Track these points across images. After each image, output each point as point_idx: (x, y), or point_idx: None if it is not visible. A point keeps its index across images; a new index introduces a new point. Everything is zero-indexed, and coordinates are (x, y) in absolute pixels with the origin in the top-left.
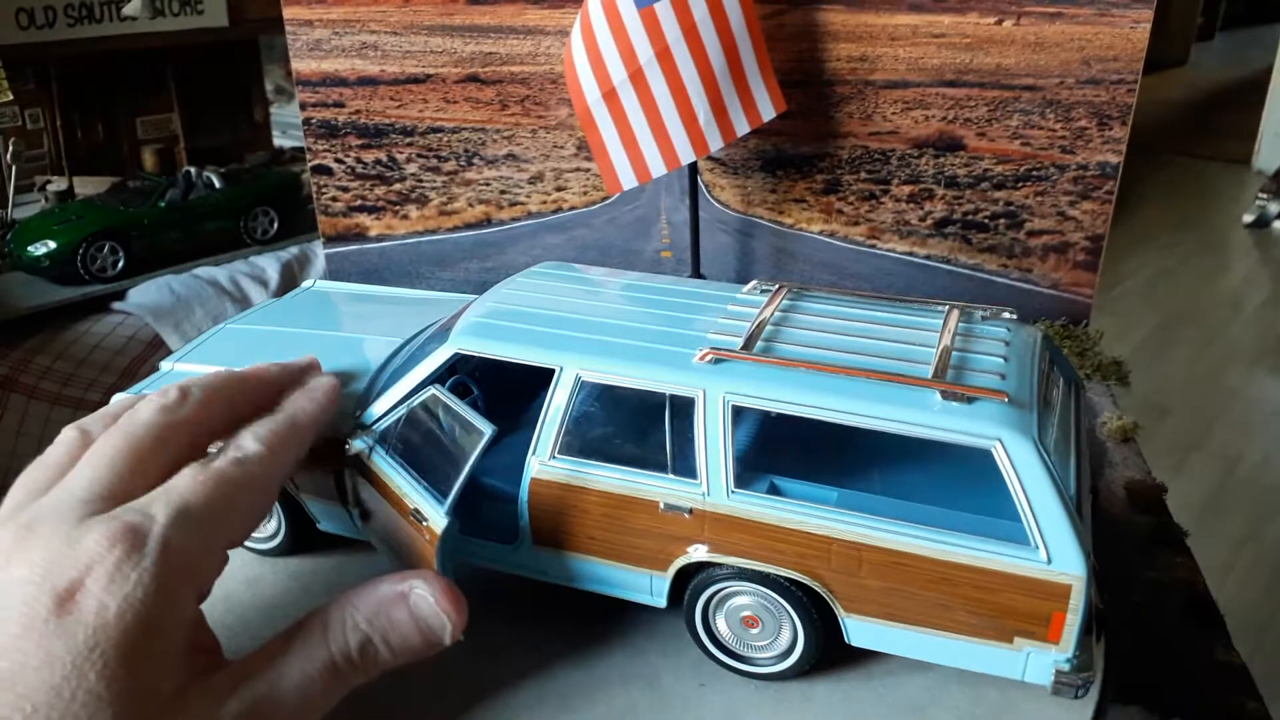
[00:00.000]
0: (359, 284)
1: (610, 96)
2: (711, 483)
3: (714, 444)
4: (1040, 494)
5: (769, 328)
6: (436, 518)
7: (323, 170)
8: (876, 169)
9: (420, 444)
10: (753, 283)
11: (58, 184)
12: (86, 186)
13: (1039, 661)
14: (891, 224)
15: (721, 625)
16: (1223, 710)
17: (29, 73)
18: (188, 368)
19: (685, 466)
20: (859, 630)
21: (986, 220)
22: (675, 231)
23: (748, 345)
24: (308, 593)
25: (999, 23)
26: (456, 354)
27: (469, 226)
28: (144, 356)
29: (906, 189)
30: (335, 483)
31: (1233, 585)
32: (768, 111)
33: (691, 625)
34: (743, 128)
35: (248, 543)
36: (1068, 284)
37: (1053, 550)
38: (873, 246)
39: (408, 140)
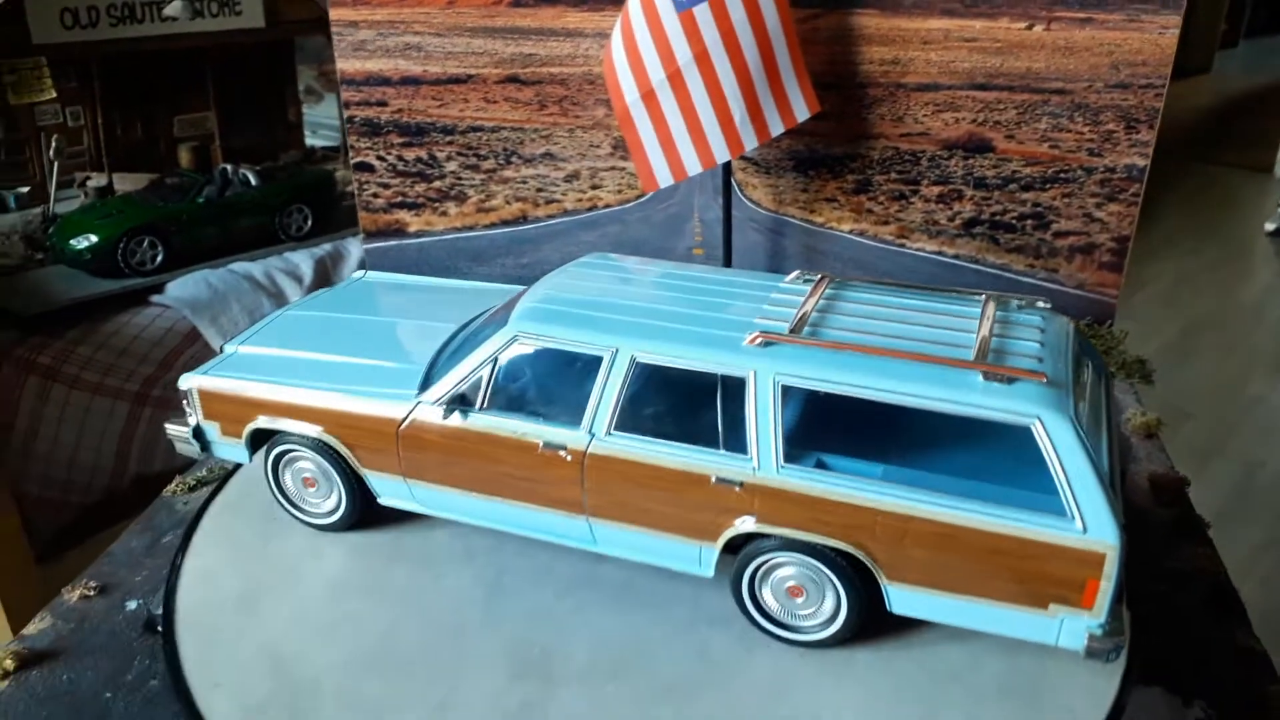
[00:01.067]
0: (403, 276)
1: (649, 97)
2: (762, 458)
3: (764, 421)
4: (1076, 468)
5: (814, 314)
6: (577, 438)
7: (365, 167)
8: (907, 169)
9: (530, 400)
10: (795, 273)
11: (97, 180)
12: (125, 183)
13: (1072, 627)
14: (921, 223)
15: (767, 596)
16: (1244, 694)
17: (71, 71)
18: (251, 350)
19: (736, 442)
20: (900, 598)
21: (1014, 221)
22: (707, 229)
23: (795, 329)
24: (368, 564)
25: (1029, 27)
26: (515, 336)
27: (505, 223)
28: (181, 349)
29: (936, 189)
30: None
31: (1252, 588)
32: (802, 112)
33: (738, 595)
34: (777, 128)
35: (309, 518)
36: (1093, 284)
37: (1088, 520)
38: (902, 246)
39: (448, 139)
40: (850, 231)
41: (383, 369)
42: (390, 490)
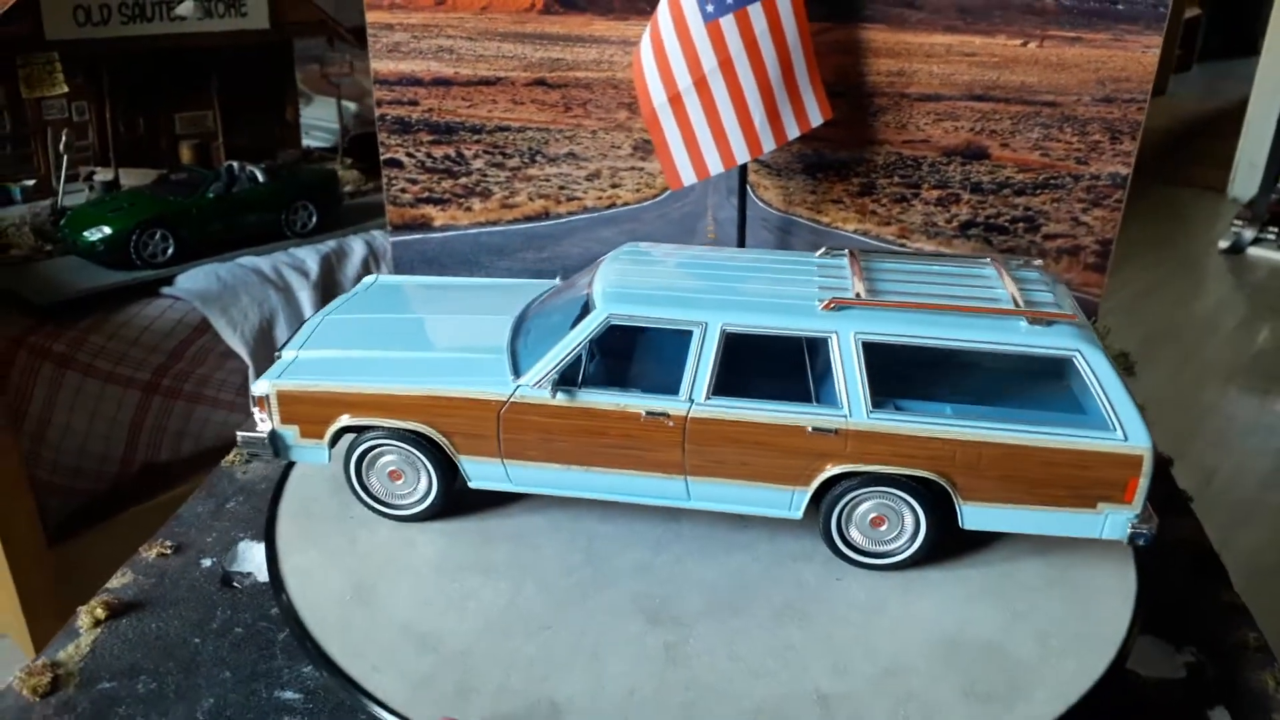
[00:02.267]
0: (416, 276)
1: (675, 101)
2: (853, 406)
3: (851, 374)
4: (1113, 388)
5: (866, 280)
6: (678, 405)
7: (394, 163)
8: (908, 174)
9: (625, 372)
10: (823, 249)
11: (104, 174)
12: (130, 178)
13: (1115, 520)
14: (920, 225)
15: (853, 531)
16: (1227, 640)
17: (79, 67)
18: (314, 354)
19: (828, 395)
20: (972, 514)
21: (1007, 224)
22: (720, 227)
23: (859, 294)
24: (464, 546)
25: (1024, 44)
26: (609, 317)
27: (528, 219)
28: (191, 339)
29: (935, 193)
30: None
31: None
32: (816, 118)
33: (827, 532)
34: (794, 131)
35: (395, 510)
36: (1079, 284)
37: (1128, 430)
38: (903, 245)
39: (476, 138)
40: (854, 231)
41: (462, 359)
42: (485, 474)
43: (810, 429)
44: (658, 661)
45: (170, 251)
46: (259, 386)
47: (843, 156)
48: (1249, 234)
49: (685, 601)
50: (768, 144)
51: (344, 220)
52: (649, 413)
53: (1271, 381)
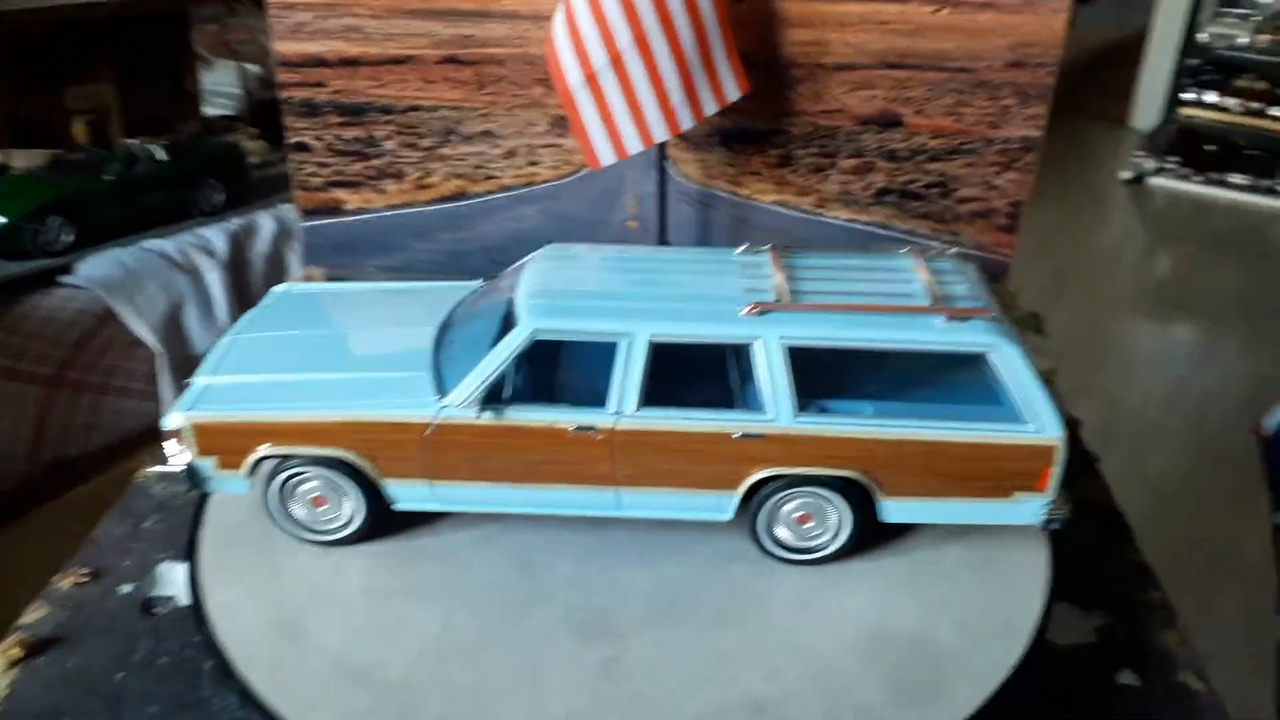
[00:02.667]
0: (327, 284)
1: (591, 80)
2: (779, 411)
3: (777, 380)
4: (1027, 383)
5: (788, 281)
6: (606, 419)
7: (302, 147)
8: (825, 144)
9: (550, 383)
10: (744, 246)
11: None
12: (20, 160)
13: (1030, 506)
14: (837, 194)
15: (780, 530)
16: (1133, 601)
17: None
18: (226, 380)
19: (753, 401)
20: (893, 508)
21: (921, 190)
22: (641, 203)
23: (782, 297)
24: (392, 569)
25: (936, 11)
26: (534, 333)
27: (444, 200)
28: (95, 329)
29: (851, 162)
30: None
31: None
32: (733, 92)
33: (756, 534)
34: (711, 107)
35: (323, 535)
36: (991, 245)
37: (1042, 422)
38: (820, 214)
39: (386, 118)
40: (773, 203)
41: (383, 379)
42: (411, 495)
43: (737, 435)
44: (595, 679)
45: (68, 239)
46: (172, 420)
47: (760, 128)
48: (1150, 164)
49: (620, 613)
50: (685, 121)
51: (252, 195)
52: (577, 427)
53: (1172, 309)
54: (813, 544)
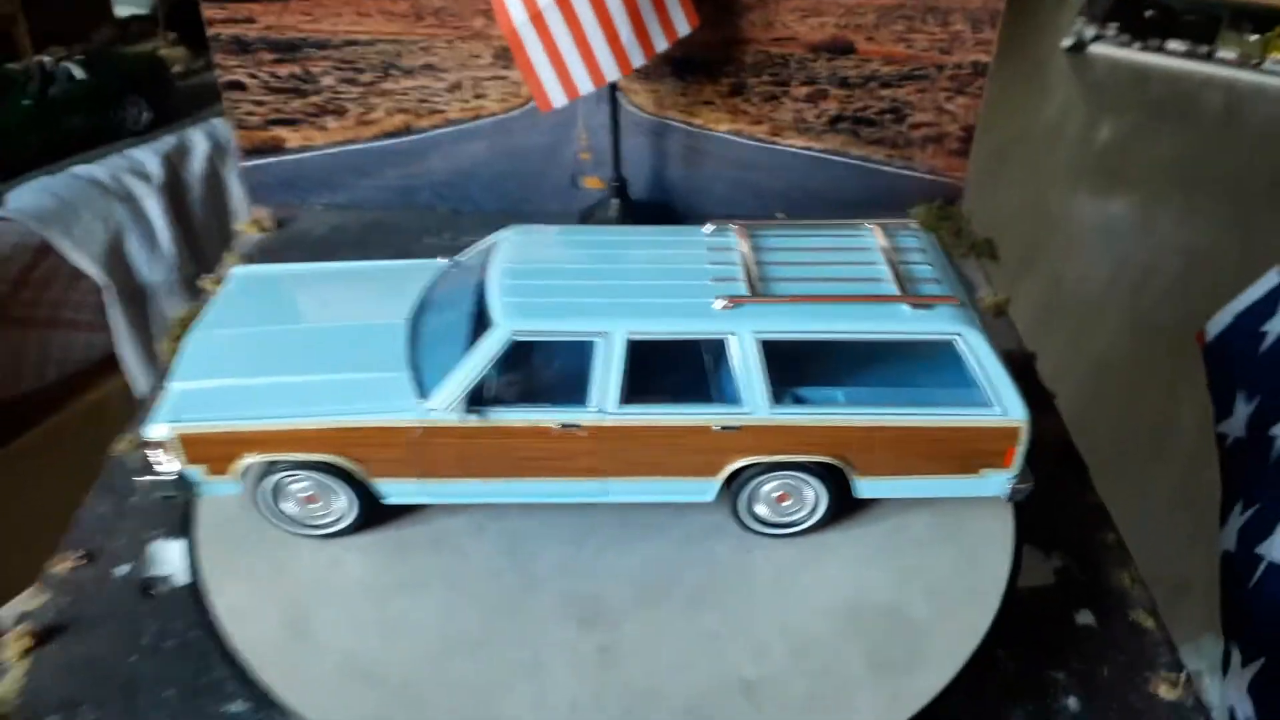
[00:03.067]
0: (283, 264)
1: (537, 19)
2: (755, 403)
3: (751, 372)
4: (991, 367)
5: (756, 268)
6: (589, 416)
7: (235, 85)
8: (777, 72)
9: (534, 384)
10: (709, 225)
11: None
12: None
13: (996, 481)
14: (791, 122)
15: (760, 508)
16: (1089, 542)
17: None
18: (204, 384)
19: (730, 395)
20: (866, 486)
21: (874, 116)
22: (593, 134)
23: (753, 289)
24: (388, 560)
25: None
26: (511, 336)
27: (389, 135)
28: (34, 263)
29: (804, 89)
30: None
31: (1064, 393)
32: (683, 27)
33: (736, 512)
34: (661, 44)
35: (317, 530)
36: (944, 169)
37: (1006, 405)
38: (774, 142)
39: (322, 54)
40: (727, 131)
41: (363, 381)
42: (399, 491)
43: (716, 428)
44: (593, 667)
45: None
46: (155, 430)
47: (712, 58)
48: (1090, 31)
49: (611, 597)
50: (636, 59)
51: (180, 110)
52: (563, 425)
53: (1112, 182)
54: (790, 519)
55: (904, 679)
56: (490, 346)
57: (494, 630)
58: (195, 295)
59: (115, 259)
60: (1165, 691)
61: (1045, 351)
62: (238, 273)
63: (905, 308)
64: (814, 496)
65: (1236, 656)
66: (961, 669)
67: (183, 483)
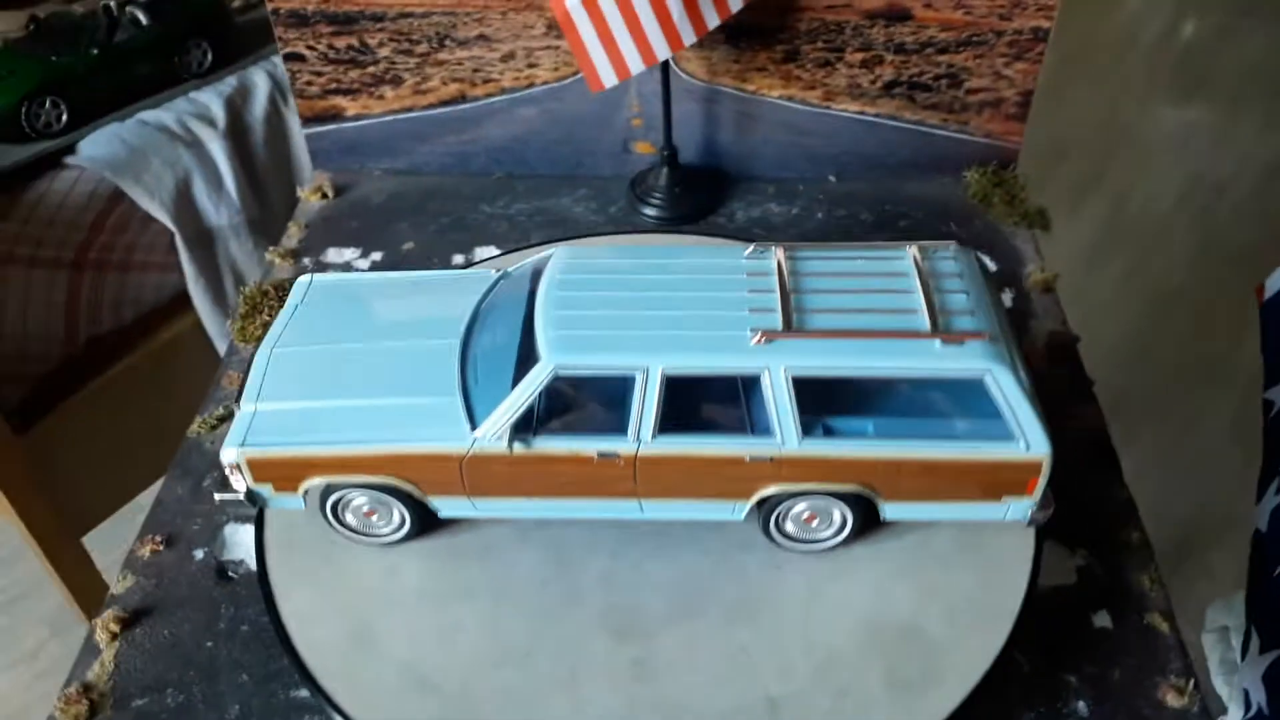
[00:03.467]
0: (348, 277)
1: (589, 1)
2: (785, 436)
3: (783, 407)
4: (1019, 403)
5: (792, 298)
6: (627, 446)
7: (295, 57)
8: (832, 39)
9: (575, 412)
10: (751, 247)
11: None
12: None
13: (1017, 508)
14: (845, 87)
15: (789, 526)
16: (1113, 540)
17: None
18: (272, 407)
19: (762, 426)
20: (892, 510)
21: (930, 82)
22: (644, 101)
23: (787, 323)
24: (442, 568)
25: None
26: (555, 370)
27: (444, 104)
28: (108, 210)
29: (859, 55)
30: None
31: (1112, 323)
32: (735, 3)
33: (767, 530)
34: (713, 20)
35: (376, 538)
36: (1000, 133)
37: (1030, 440)
38: (827, 108)
39: (378, 26)
40: (780, 97)
41: (419, 407)
42: (452, 507)
43: (748, 458)
44: (627, 680)
45: (65, 118)
46: (227, 454)
47: (766, 24)
48: None
49: (647, 610)
50: (688, 37)
51: (238, 50)
52: (600, 454)
53: (1190, 87)
54: (818, 537)
55: (919, 699)
56: (534, 380)
57: (538, 640)
58: (260, 239)
59: (183, 204)
60: (1172, 699)
61: (1101, 277)
62: (303, 282)
63: (936, 343)
64: (841, 517)
65: (1256, 641)
66: (972, 690)
67: (253, 497)
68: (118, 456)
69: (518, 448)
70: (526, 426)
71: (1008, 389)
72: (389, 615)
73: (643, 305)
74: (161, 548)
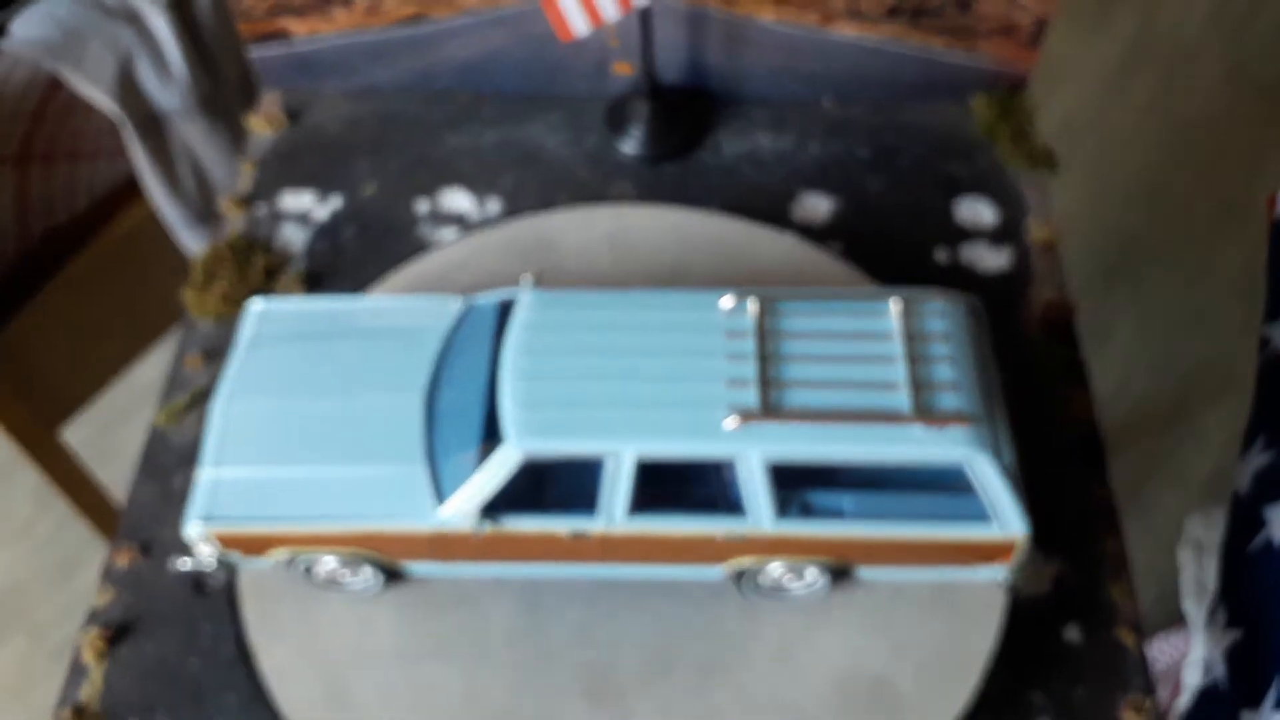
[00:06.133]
0: (302, 303)
1: None
2: (761, 515)
3: (757, 489)
4: (996, 490)
5: (770, 368)
6: (598, 525)
7: None
8: None
9: (545, 490)
10: (726, 297)
11: None
12: None
13: (992, 572)
14: (844, 9)
15: (763, 583)
16: (1091, 546)
17: None
18: (234, 473)
19: (735, 506)
20: (867, 573)
21: (936, 6)
22: (622, 24)
23: (765, 402)
24: (416, 620)
25: None
26: (524, 456)
27: (401, 24)
28: (48, 98)
29: None
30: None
31: (1130, 159)
32: None
33: (740, 587)
34: None
35: (348, 590)
36: (1010, 59)
37: (1006, 523)
38: (825, 31)
39: None
40: (772, 20)
41: (382, 478)
42: (422, 569)
43: (720, 537)
44: None
45: None
46: (192, 529)
47: None
48: None
49: (622, 667)
50: None
51: None
52: (571, 533)
53: None
54: (792, 589)
55: None
56: (501, 464)
57: (513, 701)
58: (215, 119)
59: (128, 89)
60: (1131, 718)
61: (1127, 104)
62: (254, 312)
63: (917, 428)
64: (815, 576)
65: (1222, 613)
66: None
67: (224, 562)
68: (88, 346)
69: (486, 527)
70: (495, 506)
71: (986, 476)
72: (362, 673)
73: (614, 375)
74: (138, 555)
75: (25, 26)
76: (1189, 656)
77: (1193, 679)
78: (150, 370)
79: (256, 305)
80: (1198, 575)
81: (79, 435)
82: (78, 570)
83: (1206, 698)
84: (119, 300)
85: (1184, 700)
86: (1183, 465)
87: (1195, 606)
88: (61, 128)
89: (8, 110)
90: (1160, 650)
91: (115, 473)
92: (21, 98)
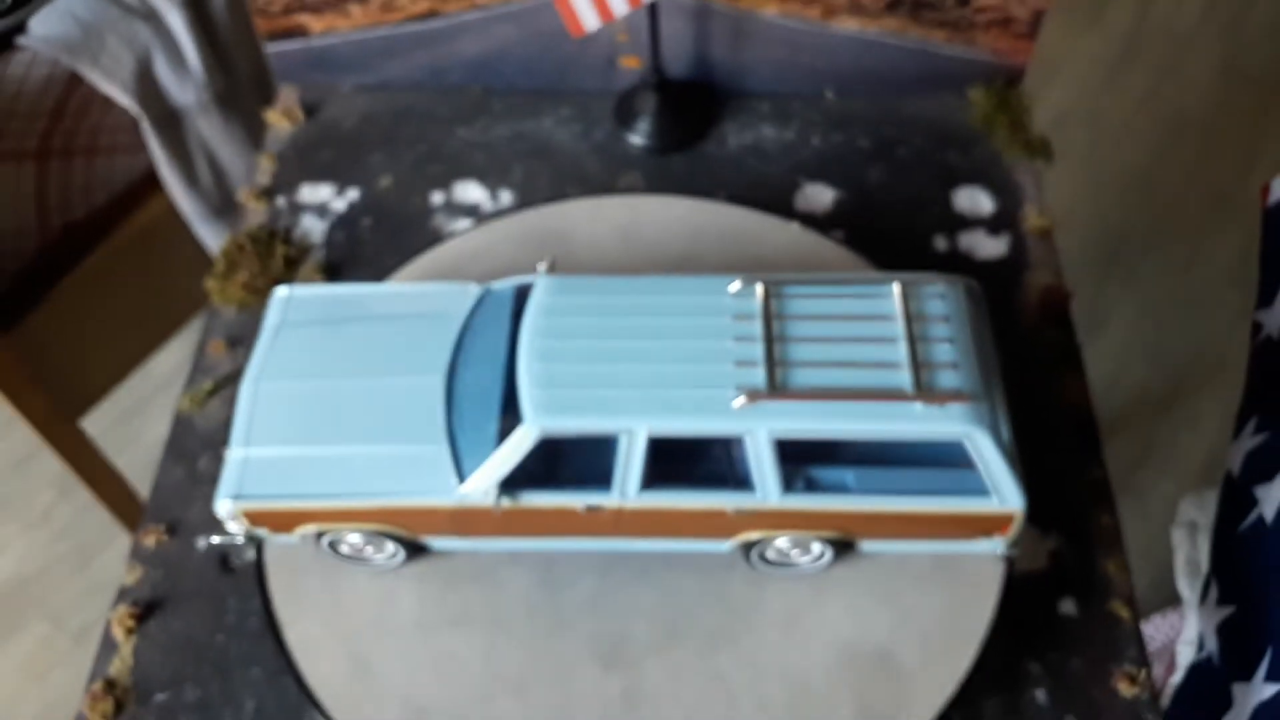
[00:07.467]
0: (326, 290)
1: None
2: (767, 491)
3: (765, 465)
4: (995, 465)
5: (776, 349)
6: (612, 500)
7: None
8: None
9: (562, 465)
10: (734, 282)
11: None
12: None
13: (991, 544)
14: (845, 4)
15: (770, 555)
16: (1088, 524)
17: None
18: (263, 453)
19: (745, 480)
20: (869, 545)
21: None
22: (631, 18)
23: (771, 381)
24: (436, 592)
25: None
26: (540, 433)
27: (415, 20)
28: (67, 94)
29: None
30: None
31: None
32: None
33: (748, 559)
34: None
35: (372, 565)
36: (1007, 51)
37: (1004, 496)
38: (827, 25)
39: None
40: (776, 13)
41: (406, 456)
42: (443, 544)
43: (731, 511)
44: (618, 711)
45: None
46: (222, 506)
47: None
48: None
49: (633, 637)
50: None
51: None
52: (586, 507)
53: None
54: (798, 562)
55: None
56: (520, 442)
57: (531, 670)
58: (231, 114)
59: (146, 84)
60: (1125, 688)
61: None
62: (281, 297)
63: (918, 406)
64: (820, 550)
65: (1215, 590)
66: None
67: (252, 538)
68: (107, 339)
69: (505, 502)
70: (513, 482)
71: (985, 451)
72: (386, 645)
73: (627, 357)
74: (165, 536)
75: (44, 24)
76: (1183, 635)
77: (1187, 656)
78: (167, 361)
79: (282, 292)
80: (1191, 555)
81: (97, 425)
82: (97, 556)
83: (1199, 671)
84: (138, 293)
85: (1178, 677)
86: (1177, 450)
87: (1189, 585)
88: (80, 124)
89: (27, 107)
90: (1156, 629)
91: (132, 460)
92: (41, 94)
